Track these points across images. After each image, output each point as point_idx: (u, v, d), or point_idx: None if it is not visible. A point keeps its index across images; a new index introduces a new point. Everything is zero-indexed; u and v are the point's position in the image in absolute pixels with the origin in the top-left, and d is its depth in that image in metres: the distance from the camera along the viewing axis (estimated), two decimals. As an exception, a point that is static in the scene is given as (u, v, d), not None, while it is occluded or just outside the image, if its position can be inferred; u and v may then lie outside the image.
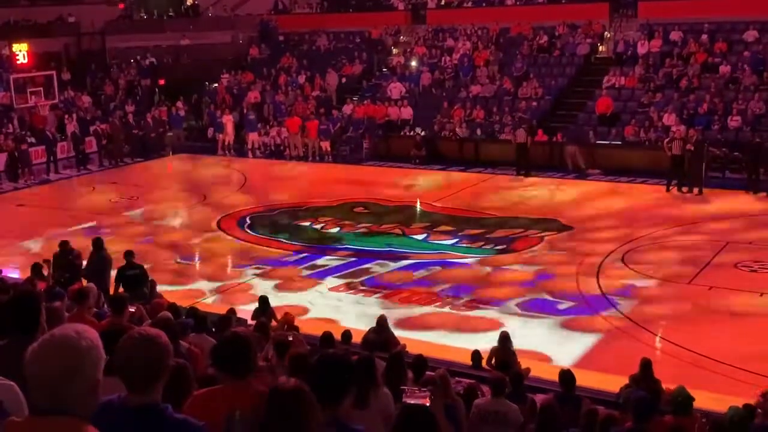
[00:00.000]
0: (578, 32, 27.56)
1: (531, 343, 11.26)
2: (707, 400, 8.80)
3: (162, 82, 32.07)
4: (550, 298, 13.21)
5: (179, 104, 28.50)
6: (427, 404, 3.08)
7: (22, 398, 2.78)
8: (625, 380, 8.72)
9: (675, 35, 25.89)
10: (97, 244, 12.88)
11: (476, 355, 10.03)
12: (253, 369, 3.64)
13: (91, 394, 2.29)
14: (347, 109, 27.43)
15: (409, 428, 2.98)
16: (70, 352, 2.23)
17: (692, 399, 6.75)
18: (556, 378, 8.17)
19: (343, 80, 29.60)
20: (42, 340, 2.27)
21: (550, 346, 11.36)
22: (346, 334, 10.11)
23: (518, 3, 30.57)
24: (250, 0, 36.13)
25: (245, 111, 28.15)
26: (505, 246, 16.08)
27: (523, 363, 9.83)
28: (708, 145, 20.42)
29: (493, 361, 9.88)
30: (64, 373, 2.21)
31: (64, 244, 12.80)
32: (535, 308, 12.82)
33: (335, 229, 17.75)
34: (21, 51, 28.66)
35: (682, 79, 23.99)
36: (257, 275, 14.92)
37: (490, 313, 12.67)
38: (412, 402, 3.10)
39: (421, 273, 14.68)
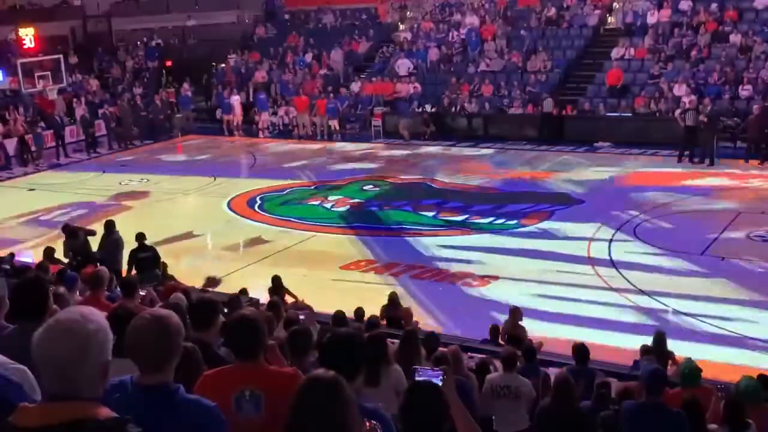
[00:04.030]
0: (587, 3, 27.29)
1: (541, 316, 11.28)
2: (720, 371, 8.81)
3: (169, 63, 32.00)
4: (562, 271, 13.20)
5: (186, 86, 28.45)
6: (439, 383, 3.05)
7: (35, 381, 2.80)
8: (637, 352, 8.71)
9: (684, 4, 25.60)
10: (109, 226, 12.90)
11: (494, 329, 10.03)
12: (261, 350, 3.66)
13: (100, 376, 2.27)
14: (355, 86, 27.33)
15: (416, 405, 2.96)
16: (75, 335, 2.20)
17: (700, 370, 6.73)
18: (568, 351, 8.17)
19: (351, 57, 29.46)
20: (47, 324, 2.25)
21: (562, 318, 11.36)
22: (359, 312, 10.11)
23: (525, -25, 30.27)
24: (255, -21, 35.93)
25: (250, 91, 28.11)
26: (516, 221, 16.05)
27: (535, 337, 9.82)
28: (721, 115, 20.27)
29: (506, 336, 9.87)
30: (71, 356, 2.19)
31: (68, 228, 12.82)
32: (547, 281, 12.82)
33: (344, 208, 17.74)
34: (27, 35, 28.59)
35: (693, 49, 23.75)
36: (268, 255, 14.94)
37: (500, 286, 12.68)
38: (422, 380, 3.08)
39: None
